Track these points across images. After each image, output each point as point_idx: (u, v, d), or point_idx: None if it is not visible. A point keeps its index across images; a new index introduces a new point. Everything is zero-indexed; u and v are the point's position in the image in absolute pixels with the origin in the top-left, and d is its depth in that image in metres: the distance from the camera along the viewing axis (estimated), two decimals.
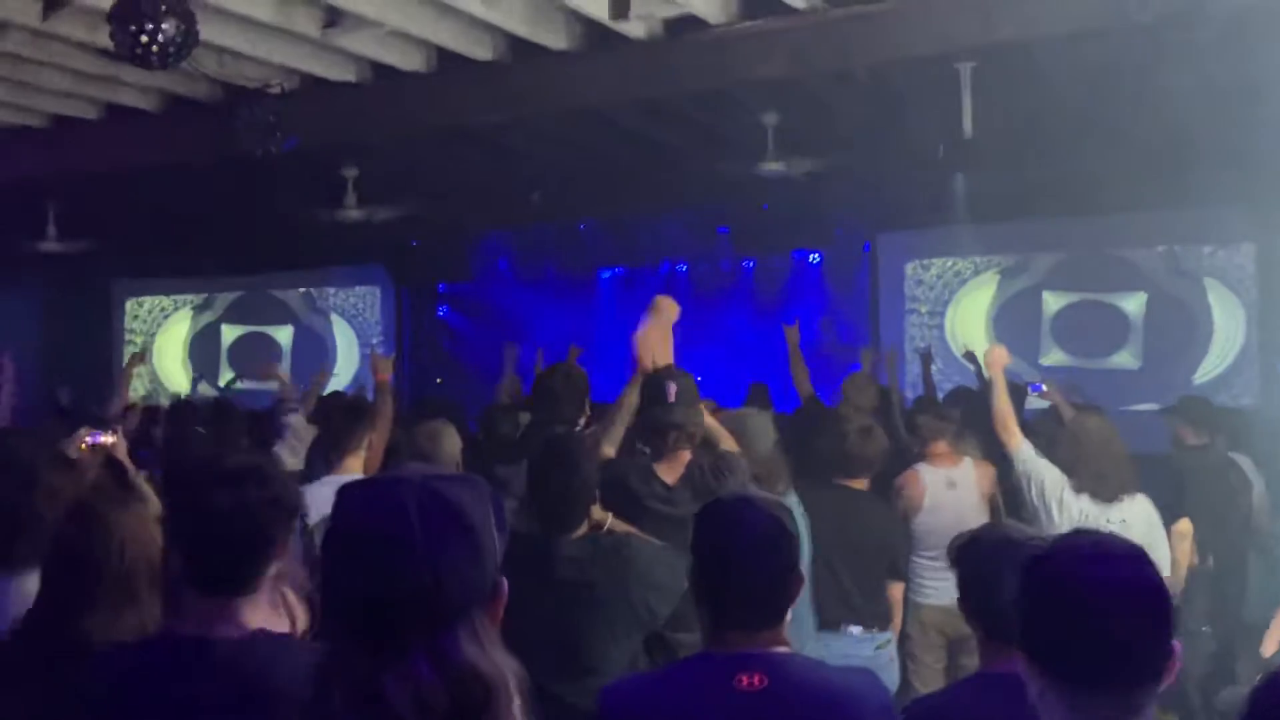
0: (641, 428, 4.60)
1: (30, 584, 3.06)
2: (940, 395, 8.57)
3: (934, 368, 9.43)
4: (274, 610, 2.40)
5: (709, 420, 4.70)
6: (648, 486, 4.38)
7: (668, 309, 4.82)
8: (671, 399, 4.40)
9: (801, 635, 4.71)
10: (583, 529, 3.89)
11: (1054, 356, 11.27)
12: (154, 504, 4.61)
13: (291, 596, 3.11)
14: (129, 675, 2.28)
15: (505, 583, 1.64)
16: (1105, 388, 9.71)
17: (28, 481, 3.61)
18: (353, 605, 1.55)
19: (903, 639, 5.91)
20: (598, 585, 3.75)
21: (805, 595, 4.82)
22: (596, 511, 4.00)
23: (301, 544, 4.83)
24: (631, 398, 4.64)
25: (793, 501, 4.95)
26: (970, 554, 2.91)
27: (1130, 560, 1.98)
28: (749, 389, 9.73)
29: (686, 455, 4.48)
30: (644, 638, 3.87)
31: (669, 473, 4.44)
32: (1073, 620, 1.91)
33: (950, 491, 6.09)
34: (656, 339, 4.70)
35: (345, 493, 1.65)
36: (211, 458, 2.59)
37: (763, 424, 5.38)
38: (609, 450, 4.59)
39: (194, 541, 2.29)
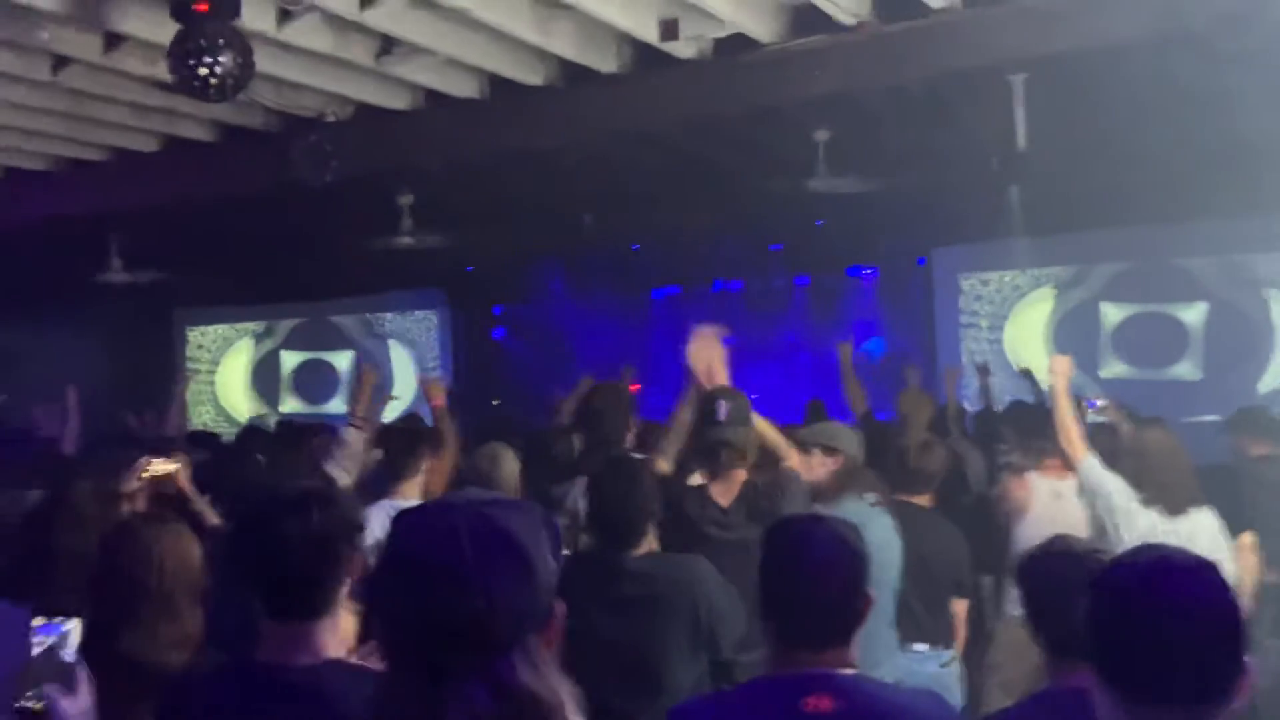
0: (694, 447, 4.61)
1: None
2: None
3: (993, 381, 9.36)
4: None
5: (772, 434, 4.70)
6: (703, 510, 4.39)
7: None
8: (723, 418, 4.41)
9: (880, 653, 4.70)
10: (645, 547, 3.90)
11: (1114, 369, 11.16)
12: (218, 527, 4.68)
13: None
14: (206, 706, 2.31)
15: (562, 606, 1.64)
16: (1166, 399, 9.60)
17: (74, 518, 3.67)
18: (409, 633, 1.56)
19: (989, 650, 5.84)
20: (664, 598, 3.76)
21: (889, 611, 4.82)
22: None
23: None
24: (685, 414, 4.66)
25: (887, 517, 4.97)
26: (1035, 569, 2.89)
27: (1200, 574, 1.95)
28: (807, 406, 9.70)
29: (741, 475, 4.48)
30: (709, 663, 3.86)
31: (724, 494, 4.44)
32: (1141, 635, 1.88)
33: (1056, 502, 5.99)
34: (711, 354, 4.72)
35: (400, 520, 1.66)
36: (273, 486, 2.61)
37: (850, 430, 5.39)
38: (664, 465, 4.60)
39: (265, 572, 2.31)
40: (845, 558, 2.55)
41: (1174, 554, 2.01)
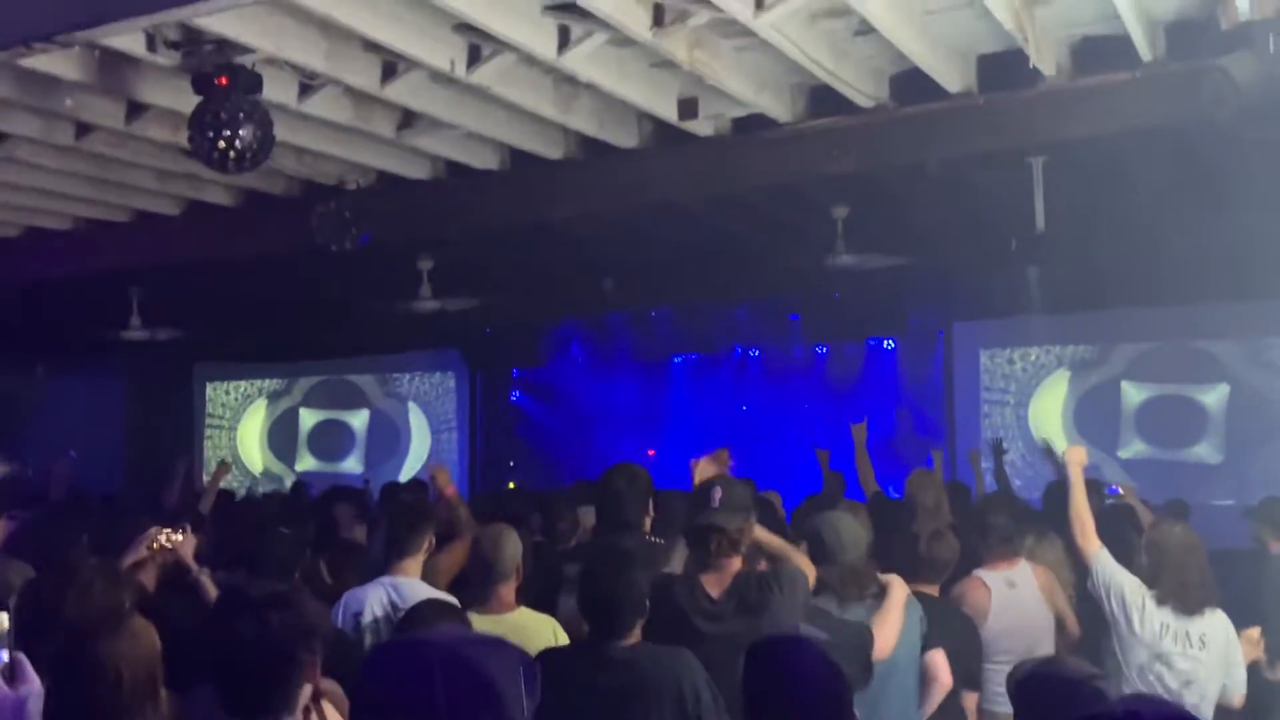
0: (686, 534, 4.53)
1: None
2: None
3: (1018, 458, 9.22)
4: None
5: (773, 541, 4.63)
6: (694, 602, 4.25)
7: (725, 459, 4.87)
8: (715, 504, 4.31)
9: None
10: (634, 637, 3.84)
11: (1134, 448, 11.07)
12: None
13: (331, 710, 3.10)
14: None
15: None
16: (1185, 481, 9.51)
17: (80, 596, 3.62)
18: None
19: None
20: (649, 690, 3.67)
21: (911, 689, 4.75)
22: None
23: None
24: None
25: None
26: (1027, 690, 2.84)
27: None
28: (823, 478, 9.61)
29: (735, 564, 4.34)
30: None
31: (715, 585, 4.29)
32: None
33: (1012, 591, 5.88)
34: (711, 469, 4.72)
35: (375, 656, 1.70)
36: (234, 587, 2.61)
37: (850, 529, 5.19)
38: (677, 565, 4.55)
39: (222, 671, 2.32)
40: (828, 680, 2.52)
41: (1145, 705, 1.94)
